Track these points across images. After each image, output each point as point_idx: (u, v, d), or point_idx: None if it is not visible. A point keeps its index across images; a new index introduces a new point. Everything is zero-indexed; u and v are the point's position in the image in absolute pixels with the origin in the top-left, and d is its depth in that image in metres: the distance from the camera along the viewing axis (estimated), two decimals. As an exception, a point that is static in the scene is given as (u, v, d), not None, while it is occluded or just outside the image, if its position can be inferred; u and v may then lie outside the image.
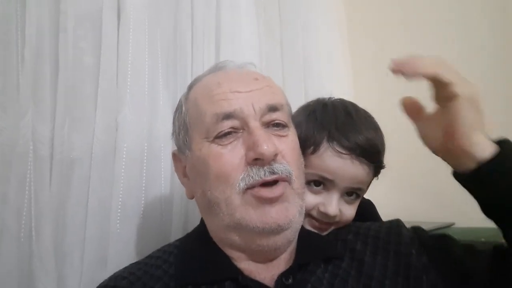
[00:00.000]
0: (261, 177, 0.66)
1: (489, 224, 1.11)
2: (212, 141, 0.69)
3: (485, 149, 0.62)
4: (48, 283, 0.83)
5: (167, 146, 1.00)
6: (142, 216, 0.96)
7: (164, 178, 1.00)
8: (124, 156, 0.93)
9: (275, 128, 0.71)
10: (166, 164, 1.00)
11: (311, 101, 0.88)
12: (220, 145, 0.68)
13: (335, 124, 0.80)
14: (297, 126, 0.80)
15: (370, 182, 0.84)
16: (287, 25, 1.28)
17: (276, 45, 1.25)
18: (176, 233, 0.97)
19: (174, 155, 0.81)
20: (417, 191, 1.44)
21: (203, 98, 0.73)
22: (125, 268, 0.75)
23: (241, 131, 0.69)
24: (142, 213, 0.96)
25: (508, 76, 1.35)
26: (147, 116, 0.97)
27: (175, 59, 1.05)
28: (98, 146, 0.90)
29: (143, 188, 0.96)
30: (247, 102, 0.69)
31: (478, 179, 0.63)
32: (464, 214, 1.28)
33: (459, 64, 1.36)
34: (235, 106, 0.69)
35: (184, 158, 0.77)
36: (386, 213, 0.96)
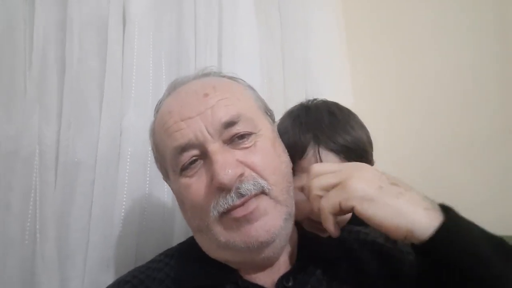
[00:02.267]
0: (229, 204, 0.63)
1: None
2: (180, 175, 0.68)
3: (425, 230, 0.58)
4: (51, 285, 0.83)
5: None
6: (144, 220, 0.96)
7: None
8: (128, 160, 0.94)
9: (240, 141, 0.67)
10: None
11: (295, 106, 0.88)
12: (187, 176, 0.67)
13: (320, 127, 0.80)
14: (284, 133, 0.80)
15: None
16: (287, 31, 1.30)
17: (277, 50, 1.26)
18: (178, 238, 0.97)
19: (166, 181, 0.79)
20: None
21: (161, 132, 0.71)
22: (128, 272, 0.75)
23: (203, 157, 0.67)
24: (145, 217, 0.96)
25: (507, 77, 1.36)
26: (151, 120, 0.98)
27: (178, 65, 1.07)
28: (103, 150, 0.91)
29: (146, 193, 0.97)
30: (200, 128, 0.66)
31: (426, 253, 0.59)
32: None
33: (458, 64, 1.38)
34: (189, 136, 0.66)
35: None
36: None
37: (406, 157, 1.46)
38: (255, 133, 0.69)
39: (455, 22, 1.44)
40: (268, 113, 0.77)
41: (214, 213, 0.64)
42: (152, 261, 0.77)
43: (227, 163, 0.64)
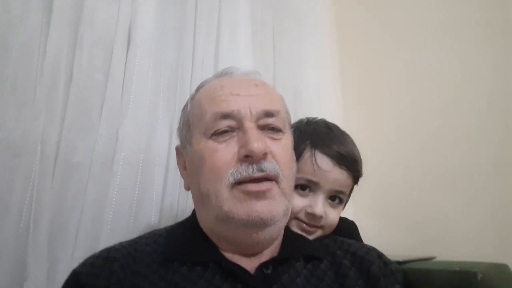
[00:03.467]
0: (249, 174, 0.71)
1: (468, 258, 1.15)
2: (210, 138, 0.76)
3: None
4: (39, 273, 0.89)
5: (162, 160, 1.10)
6: (131, 224, 1.03)
7: (156, 188, 1.08)
8: (120, 165, 1.02)
9: (270, 132, 0.77)
10: (158, 177, 1.09)
11: (295, 122, 0.98)
12: (217, 141, 0.75)
13: (318, 135, 0.91)
14: None
15: (351, 188, 0.93)
16: (280, 60, 1.42)
17: (269, 79, 1.37)
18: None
19: (177, 150, 0.88)
20: (400, 225, 1.48)
21: (206, 99, 0.80)
22: (117, 244, 0.80)
23: (236, 130, 0.75)
24: (132, 220, 1.03)
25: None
26: (146, 131, 1.08)
27: (175, 85, 1.18)
28: (99, 154, 1.00)
29: (136, 197, 1.04)
30: (245, 105, 0.75)
31: None
32: (445, 248, 1.33)
33: (453, 72, 1.42)
34: (233, 108, 0.75)
35: (185, 152, 0.84)
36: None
37: (391, 190, 1.51)
38: (283, 132, 0.79)
39: (453, 55, 1.49)
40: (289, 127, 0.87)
41: (230, 179, 0.72)
42: (141, 237, 0.82)
43: (259, 138, 0.73)
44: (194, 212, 0.84)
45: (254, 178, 0.72)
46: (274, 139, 0.77)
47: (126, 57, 1.08)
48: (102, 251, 0.78)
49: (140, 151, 1.06)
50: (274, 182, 0.74)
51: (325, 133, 0.91)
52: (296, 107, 1.40)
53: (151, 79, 1.11)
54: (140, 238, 0.82)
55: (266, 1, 1.46)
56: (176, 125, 1.12)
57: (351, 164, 0.89)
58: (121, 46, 1.08)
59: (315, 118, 0.99)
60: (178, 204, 1.11)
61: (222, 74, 0.87)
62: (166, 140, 1.12)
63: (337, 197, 0.90)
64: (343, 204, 0.93)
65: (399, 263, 1.16)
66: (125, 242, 0.81)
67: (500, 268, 1.16)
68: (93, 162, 1.00)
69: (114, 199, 1.00)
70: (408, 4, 1.65)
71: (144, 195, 1.05)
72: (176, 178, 1.11)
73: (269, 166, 0.73)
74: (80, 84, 1.00)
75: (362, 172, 0.93)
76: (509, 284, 1.15)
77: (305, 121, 0.97)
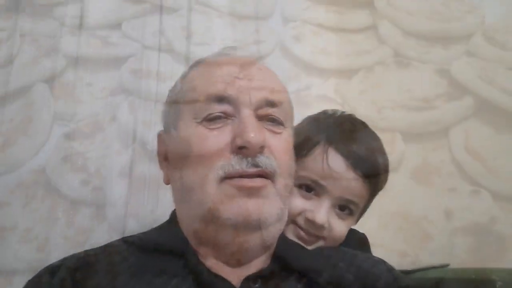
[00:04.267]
0: (242, 168, 0.62)
1: (481, 265, 1.15)
2: (200, 123, 0.66)
3: None
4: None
5: (123, 178, 1.01)
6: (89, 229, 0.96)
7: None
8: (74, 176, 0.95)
9: (270, 123, 0.68)
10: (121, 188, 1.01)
11: (316, 113, 0.85)
12: (208, 128, 0.65)
13: (337, 129, 0.77)
14: (299, 131, 0.76)
15: (367, 201, 0.79)
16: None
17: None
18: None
19: (159, 136, 0.78)
20: (413, 234, 1.34)
21: (200, 78, 0.71)
22: (81, 251, 0.70)
23: (232, 118, 0.66)
24: (89, 225, 0.96)
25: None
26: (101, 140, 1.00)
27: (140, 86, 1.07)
28: (48, 154, 0.95)
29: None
30: (245, 90, 0.66)
31: None
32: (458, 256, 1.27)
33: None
34: (230, 91, 0.65)
35: (168, 139, 0.74)
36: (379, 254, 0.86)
37: (404, 200, 1.32)
38: (285, 126, 0.70)
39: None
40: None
41: (219, 173, 0.62)
42: (108, 245, 0.72)
43: (257, 128, 0.64)
44: (172, 215, 0.75)
45: (247, 173, 0.62)
46: (274, 132, 0.67)
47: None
48: (64, 259, 0.68)
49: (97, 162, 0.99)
50: (269, 181, 0.64)
51: (347, 129, 0.77)
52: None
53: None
54: (107, 246, 0.72)
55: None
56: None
57: (369, 170, 0.74)
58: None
59: (343, 111, 0.85)
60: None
61: (222, 54, 0.78)
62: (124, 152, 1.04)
63: (347, 207, 0.75)
64: (355, 217, 0.78)
65: (409, 272, 1.06)
66: (91, 250, 0.71)
67: (521, 275, 1.05)
68: (43, 164, 0.95)
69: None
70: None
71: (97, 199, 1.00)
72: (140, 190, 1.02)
73: (265, 161, 0.63)
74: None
75: (383, 185, 0.79)
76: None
77: (329, 112, 0.83)
